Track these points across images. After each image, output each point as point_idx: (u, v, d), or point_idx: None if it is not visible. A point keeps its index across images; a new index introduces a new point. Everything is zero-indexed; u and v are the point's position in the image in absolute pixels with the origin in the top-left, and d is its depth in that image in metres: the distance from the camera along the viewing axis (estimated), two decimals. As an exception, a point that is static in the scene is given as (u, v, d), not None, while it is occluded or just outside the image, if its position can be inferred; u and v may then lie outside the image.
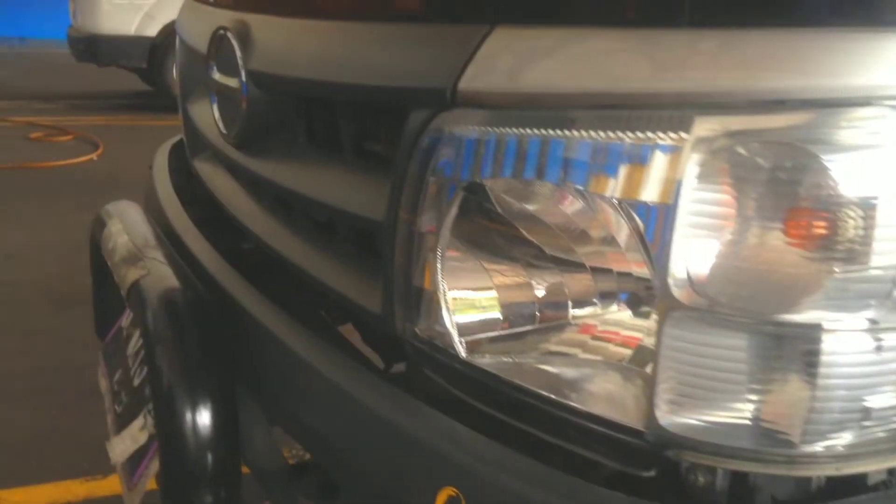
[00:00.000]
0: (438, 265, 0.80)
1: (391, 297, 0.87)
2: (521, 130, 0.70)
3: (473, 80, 0.72)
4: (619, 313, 0.71)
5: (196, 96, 1.57)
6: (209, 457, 0.93)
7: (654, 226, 0.61)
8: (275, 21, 1.09)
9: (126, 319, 1.39)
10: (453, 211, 0.78)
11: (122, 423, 1.16)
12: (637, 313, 0.70)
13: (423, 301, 0.84)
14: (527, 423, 0.74)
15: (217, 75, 1.24)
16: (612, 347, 0.71)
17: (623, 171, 0.63)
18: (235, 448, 0.95)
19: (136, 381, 1.20)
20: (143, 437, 1.07)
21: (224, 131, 1.23)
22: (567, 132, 0.65)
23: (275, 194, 1.23)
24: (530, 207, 0.75)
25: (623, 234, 0.67)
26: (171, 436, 0.94)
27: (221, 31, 1.20)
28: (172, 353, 0.95)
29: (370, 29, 0.87)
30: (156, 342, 0.97)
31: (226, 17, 1.21)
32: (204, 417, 0.93)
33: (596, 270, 0.72)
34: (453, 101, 0.74)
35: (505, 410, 0.76)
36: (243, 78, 1.13)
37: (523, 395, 0.74)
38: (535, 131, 0.69)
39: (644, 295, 0.68)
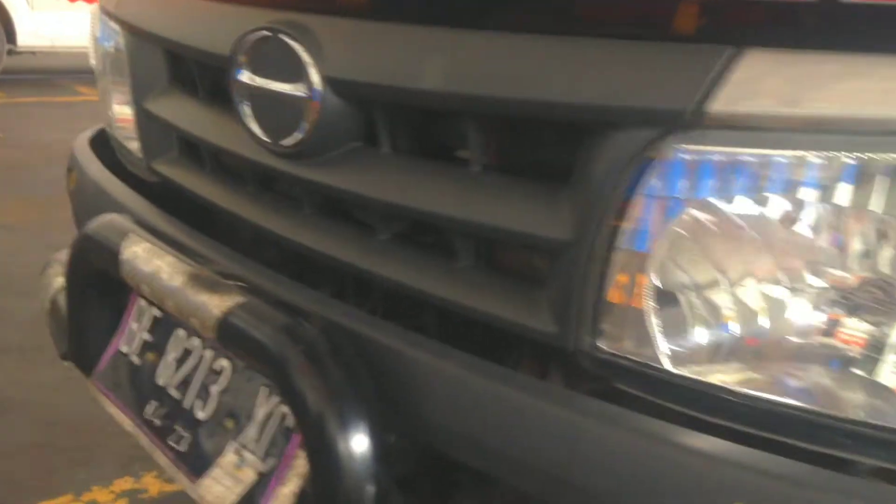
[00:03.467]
0: (652, 282, 0.81)
1: (571, 314, 0.87)
2: (784, 152, 0.72)
3: (730, 102, 0.73)
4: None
5: (172, 97, 1.45)
6: (370, 489, 0.89)
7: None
8: (368, 26, 1.03)
9: (133, 344, 1.28)
10: (675, 229, 0.79)
11: (199, 463, 1.07)
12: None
13: (618, 317, 0.84)
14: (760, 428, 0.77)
15: (254, 80, 1.15)
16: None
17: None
18: (391, 476, 0.91)
19: (203, 414, 1.11)
20: (248, 476, 0.99)
21: (267, 140, 1.15)
22: (863, 155, 0.69)
23: (341, 206, 1.17)
24: (763, 224, 0.77)
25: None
26: (330, 471, 0.88)
27: (267, 33, 1.12)
28: (319, 387, 0.89)
29: (550, 43, 0.85)
30: (296, 377, 0.90)
31: (273, 18, 1.12)
32: (361, 448, 0.88)
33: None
34: (694, 122, 0.75)
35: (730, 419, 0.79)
36: (315, 85, 1.06)
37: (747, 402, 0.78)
38: (805, 153, 0.71)
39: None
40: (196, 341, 1.17)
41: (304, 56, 1.07)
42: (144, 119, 1.51)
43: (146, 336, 1.27)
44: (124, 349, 1.31)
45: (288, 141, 1.12)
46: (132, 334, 1.30)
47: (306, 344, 0.92)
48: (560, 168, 0.88)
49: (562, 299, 0.88)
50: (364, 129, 1.10)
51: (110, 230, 1.25)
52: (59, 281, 1.66)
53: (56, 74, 9.26)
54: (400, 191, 1.04)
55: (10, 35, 8.46)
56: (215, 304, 1.01)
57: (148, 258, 1.15)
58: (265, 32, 1.13)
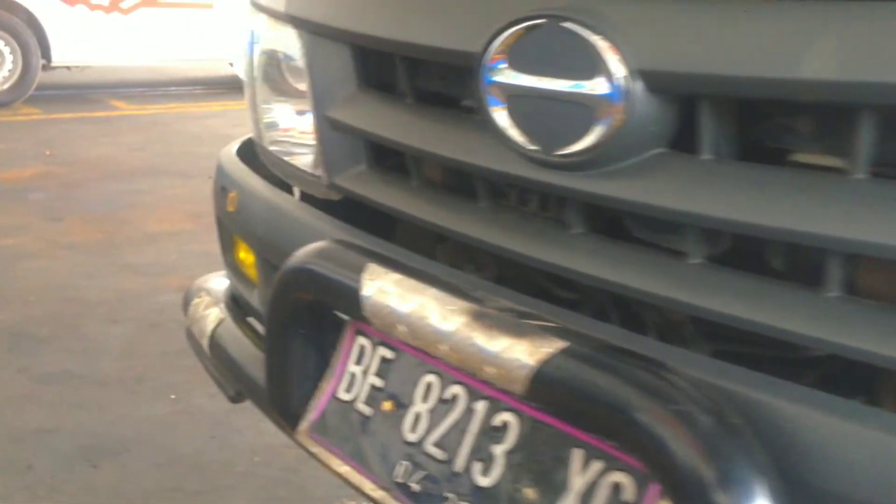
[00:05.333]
0: None
1: None
2: None
3: None
4: None
5: (365, 102, 1.27)
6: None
7: None
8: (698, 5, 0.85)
9: (356, 391, 1.10)
10: None
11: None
12: None
13: None
14: None
15: (518, 78, 0.97)
16: None
17: None
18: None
19: (486, 481, 0.92)
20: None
21: (533, 148, 0.97)
22: None
23: (619, 225, 0.99)
24: None
25: None
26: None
27: (541, 22, 0.94)
28: (709, 463, 0.71)
29: None
30: (677, 452, 0.72)
31: (538, 4, 0.94)
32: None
33: None
34: None
35: None
36: (618, 80, 0.88)
37: None
38: None
39: None
40: (458, 390, 0.99)
41: (603, 47, 0.89)
42: (327, 130, 1.33)
43: (375, 381, 1.09)
44: (344, 396, 1.13)
45: (570, 149, 0.94)
46: (352, 379, 1.12)
47: (684, 404, 0.73)
48: None
49: None
50: (673, 131, 0.91)
51: (337, 261, 1.07)
52: (216, 314, 1.49)
53: (89, 89, 9.13)
54: (736, 205, 0.85)
55: (45, 51, 8.33)
56: (525, 351, 0.83)
57: (403, 294, 0.96)
58: (539, 21, 0.95)
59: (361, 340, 1.13)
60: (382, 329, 1.00)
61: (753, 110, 0.91)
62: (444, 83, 1.23)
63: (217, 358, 1.48)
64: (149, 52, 8.84)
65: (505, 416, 0.93)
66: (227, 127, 7.10)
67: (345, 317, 1.16)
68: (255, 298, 1.54)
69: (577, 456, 0.86)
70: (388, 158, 1.32)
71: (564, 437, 0.88)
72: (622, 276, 0.95)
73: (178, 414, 2.39)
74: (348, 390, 1.13)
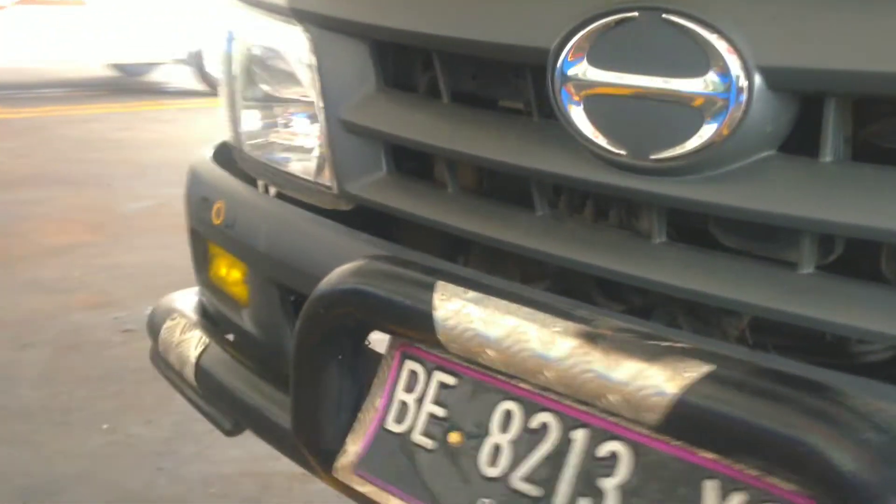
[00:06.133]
0: None
1: None
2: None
3: None
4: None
5: (388, 103, 1.17)
6: None
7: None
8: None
9: (411, 421, 1.00)
10: None
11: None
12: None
13: None
14: None
15: (605, 77, 0.89)
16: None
17: None
18: None
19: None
20: None
21: (620, 152, 0.89)
22: None
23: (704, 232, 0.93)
24: None
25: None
26: None
27: (635, 15, 0.86)
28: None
29: None
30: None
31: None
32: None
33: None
34: None
35: None
36: (737, 79, 0.81)
37: None
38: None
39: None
40: (548, 418, 0.90)
41: (716, 41, 0.82)
42: (339, 133, 1.22)
43: (434, 410, 0.99)
44: (395, 427, 1.02)
45: (670, 153, 0.87)
46: (404, 408, 1.02)
47: (865, 432, 0.67)
48: None
49: None
50: (787, 132, 0.85)
51: (397, 281, 0.96)
52: (199, 338, 1.36)
53: None
54: (862, 209, 0.79)
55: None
56: (664, 377, 0.75)
57: (490, 315, 0.87)
58: (631, 14, 0.87)
59: (411, 365, 1.03)
60: (463, 355, 0.90)
61: (867, 109, 0.86)
62: (487, 82, 1.14)
63: (207, 388, 1.34)
64: (17, 53, 8.35)
65: (612, 446, 0.85)
66: (113, 131, 6.75)
67: (376, 338, 1.06)
68: (243, 318, 1.40)
69: (710, 488, 0.78)
70: (406, 164, 1.22)
71: (693, 468, 0.80)
72: (722, 288, 0.88)
73: (115, 445, 2.20)
74: (399, 421, 1.02)
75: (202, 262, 1.53)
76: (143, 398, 2.45)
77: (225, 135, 1.59)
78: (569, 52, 0.92)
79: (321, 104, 1.23)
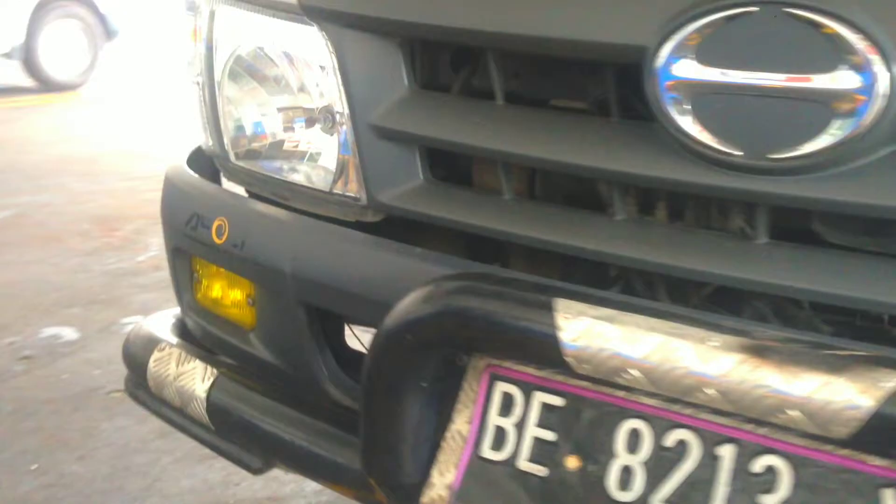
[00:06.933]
0: None
1: None
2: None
3: None
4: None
5: (425, 105, 1.09)
6: None
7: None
8: None
9: (513, 447, 0.94)
10: None
11: None
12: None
13: None
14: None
15: (723, 74, 0.86)
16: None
17: None
18: None
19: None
20: None
21: (733, 152, 0.86)
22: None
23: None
24: None
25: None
26: None
27: (755, 9, 0.83)
28: None
29: None
30: None
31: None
32: None
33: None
34: None
35: None
36: (875, 73, 0.79)
37: None
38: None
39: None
40: (685, 434, 0.86)
41: (850, 34, 0.79)
42: (370, 140, 1.13)
43: (541, 434, 0.93)
44: (493, 455, 0.95)
45: (795, 151, 0.84)
46: (501, 434, 0.95)
47: None
48: None
49: None
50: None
51: (507, 300, 0.89)
52: (203, 370, 1.25)
53: None
54: None
55: None
56: (856, 389, 0.72)
57: (629, 333, 0.82)
58: (750, 9, 0.83)
59: (503, 387, 0.96)
60: (596, 376, 0.84)
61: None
62: (534, 80, 1.08)
63: (224, 425, 1.22)
64: None
65: (768, 460, 0.82)
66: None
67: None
68: (250, 342, 1.29)
69: (891, 497, 0.76)
70: (435, 172, 1.15)
71: (867, 478, 0.78)
72: (849, 287, 0.86)
73: (51, 488, 2.00)
74: (497, 448, 0.95)
75: (187, 283, 1.40)
76: (67, 432, 2.24)
77: (196, 142, 1.47)
78: (673, 49, 0.87)
79: (345, 109, 1.14)
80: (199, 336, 1.40)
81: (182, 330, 1.44)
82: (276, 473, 1.98)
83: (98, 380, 2.51)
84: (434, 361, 0.96)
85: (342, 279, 1.10)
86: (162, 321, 1.47)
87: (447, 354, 0.97)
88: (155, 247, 3.83)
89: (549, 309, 0.86)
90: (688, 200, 1.02)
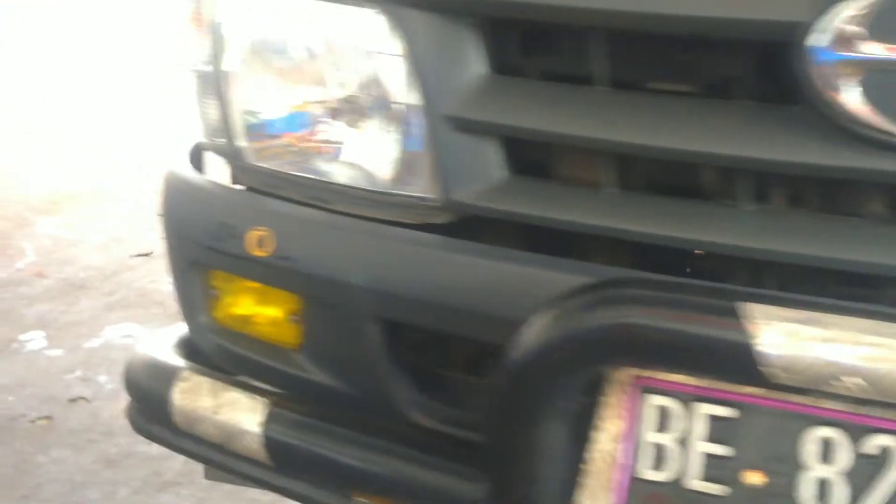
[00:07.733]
0: None
1: None
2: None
3: None
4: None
5: (512, 94, 0.99)
6: None
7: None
8: None
9: (678, 465, 0.87)
10: None
11: None
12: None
13: None
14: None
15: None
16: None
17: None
18: None
19: None
20: None
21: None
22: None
23: None
24: None
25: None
26: None
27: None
28: None
29: None
30: None
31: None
32: None
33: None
34: None
35: None
36: None
37: None
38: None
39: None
40: (887, 440, 0.80)
41: None
42: (446, 133, 1.02)
43: (712, 449, 0.86)
44: (654, 476, 0.87)
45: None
46: (660, 452, 0.88)
47: None
48: None
49: None
50: None
51: (682, 309, 0.81)
52: (250, 403, 1.11)
53: None
54: None
55: None
56: None
57: (846, 337, 0.75)
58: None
59: (656, 400, 0.88)
60: (802, 386, 0.77)
61: None
62: (632, 62, 0.99)
63: (289, 461, 1.08)
64: None
65: None
66: None
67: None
68: (295, 362, 1.15)
69: None
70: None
71: None
72: None
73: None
74: (658, 468, 0.87)
75: (202, 301, 1.23)
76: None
77: (195, 140, 1.30)
78: (834, 24, 0.81)
79: (417, 100, 1.02)
80: (220, 359, 1.24)
81: (191, 352, 1.28)
82: (254, 494, 1.84)
83: (15, 407, 2.25)
84: (584, 380, 0.87)
85: (441, 292, 0.99)
86: (162, 343, 1.30)
87: (597, 371, 0.88)
88: (31, 251, 3.49)
89: (734, 315, 0.78)
90: (810, 186, 0.97)
